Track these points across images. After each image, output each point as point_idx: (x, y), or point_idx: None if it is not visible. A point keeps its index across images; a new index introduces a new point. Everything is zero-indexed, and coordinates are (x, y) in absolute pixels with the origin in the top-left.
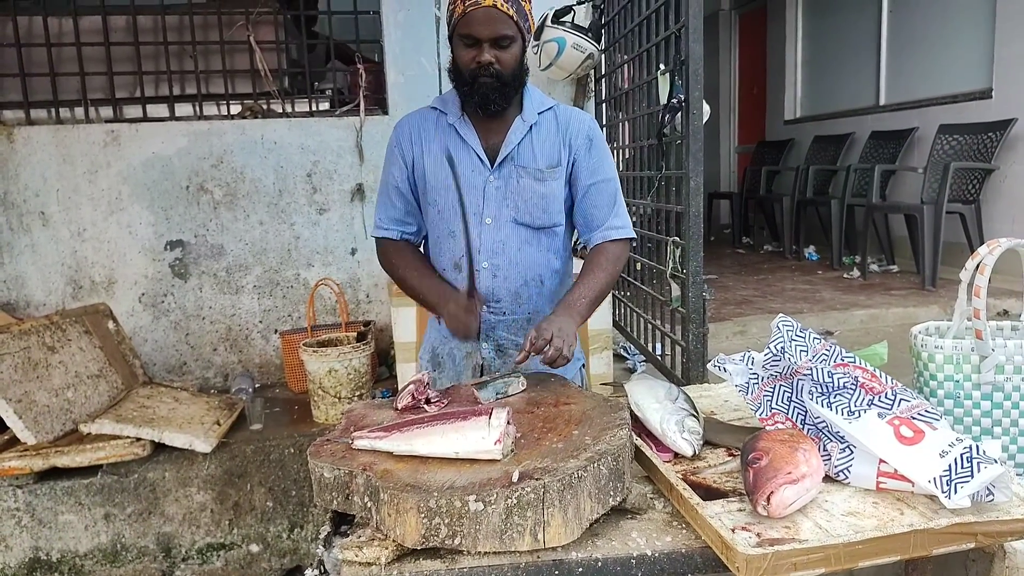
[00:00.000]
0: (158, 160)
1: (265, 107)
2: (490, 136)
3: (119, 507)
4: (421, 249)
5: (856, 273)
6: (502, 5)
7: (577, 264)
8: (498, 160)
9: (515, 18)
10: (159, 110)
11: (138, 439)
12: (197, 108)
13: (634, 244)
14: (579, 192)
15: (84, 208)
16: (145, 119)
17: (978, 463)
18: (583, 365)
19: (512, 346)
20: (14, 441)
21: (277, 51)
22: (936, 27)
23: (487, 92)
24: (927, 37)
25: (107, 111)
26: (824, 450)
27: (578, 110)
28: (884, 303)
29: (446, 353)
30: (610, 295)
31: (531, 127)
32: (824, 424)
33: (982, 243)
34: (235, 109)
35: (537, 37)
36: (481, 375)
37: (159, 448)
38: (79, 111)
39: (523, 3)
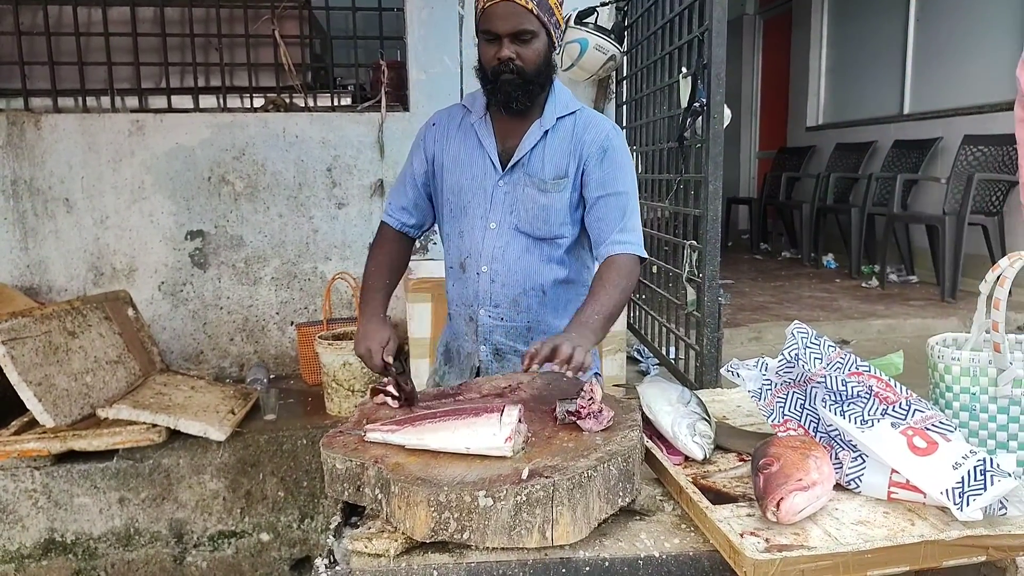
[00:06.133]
0: (181, 151)
1: (288, 101)
2: (508, 139)
3: (133, 492)
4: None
5: (875, 282)
6: None
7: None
8: (509, 165)
9: (536, 12)
10: (184, 101)
11: (154, 425)
12: (221, 100)
13: (644, 263)
14: (588, 203)
15: (107, 196)
16: (170, 110)
17: (991, 476)
18: (596, 373)
19: (510, 351)
20: (33, 423)
21: (301, 46)
22: (963, 37)
23: (509, 90)
24: (953, 47)
25: (133, 101)
26: (836, 458)
27: (600, 117)
28: (902, 313)
29: (455, 349)
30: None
31: (546, 133)
32: (836, 432)
33: (1004, 256)
34: (258, 102)
35: None
36: (477, 376)
37: (174, 435)
38: (105, 100)
39: None
